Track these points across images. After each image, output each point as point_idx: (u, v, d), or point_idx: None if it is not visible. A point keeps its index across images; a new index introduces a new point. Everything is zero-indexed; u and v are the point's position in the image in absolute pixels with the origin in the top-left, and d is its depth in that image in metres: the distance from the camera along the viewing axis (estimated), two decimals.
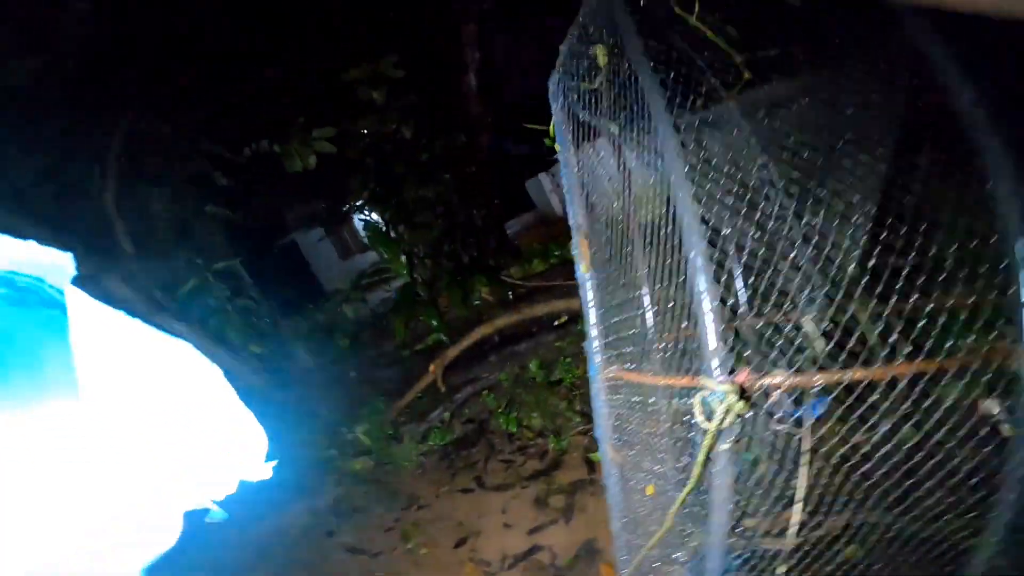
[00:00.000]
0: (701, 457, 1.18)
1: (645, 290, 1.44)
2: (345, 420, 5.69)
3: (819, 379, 1.09)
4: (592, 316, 1.62)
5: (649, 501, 1.46)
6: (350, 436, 5.38)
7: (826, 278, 1.30)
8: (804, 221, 1.37)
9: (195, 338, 6.04)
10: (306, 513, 4.50)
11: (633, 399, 1.51)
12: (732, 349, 1.13)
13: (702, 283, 1.12)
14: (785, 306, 1.27)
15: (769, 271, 1.25)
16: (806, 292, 1.30)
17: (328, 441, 5.63)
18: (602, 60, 1.53)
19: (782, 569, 1.30)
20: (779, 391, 1.10)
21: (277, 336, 7.66)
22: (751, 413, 1.18)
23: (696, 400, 1.13)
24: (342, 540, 3.97)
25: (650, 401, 1.41)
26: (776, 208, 1.43)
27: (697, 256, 1.14)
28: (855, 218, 1.32)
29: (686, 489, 1.26)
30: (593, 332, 1.62)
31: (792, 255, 1.30)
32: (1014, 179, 1.06)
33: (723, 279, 1.18)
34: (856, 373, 1.08)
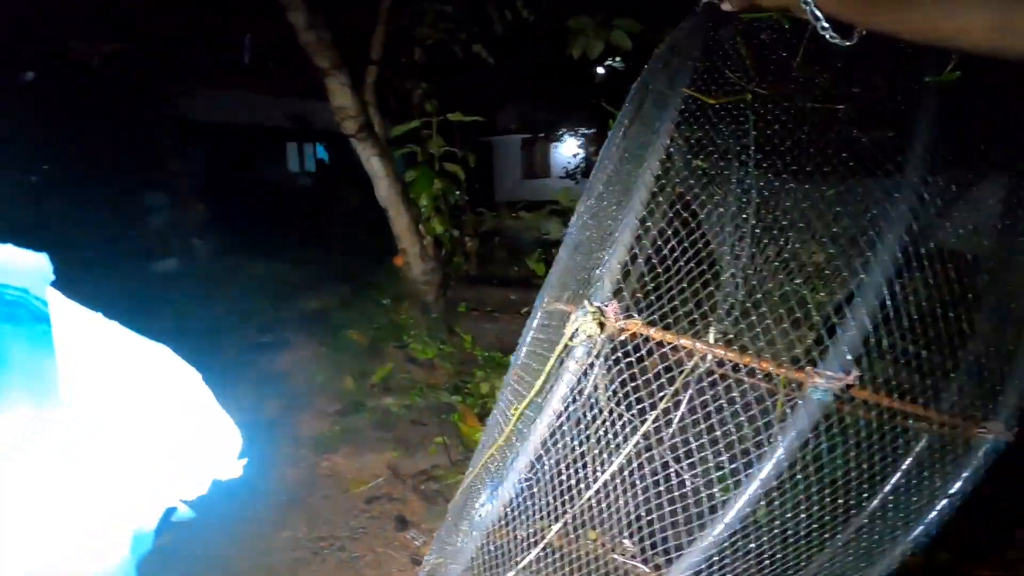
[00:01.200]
0: (547, 366, 1.34)
1: (591, 236, 1.63)
2: (488, 363, 4.80)
3: (656, 335, 1.24)
4: (561, 256, 1.89)
5: (506, 420, 1.60)
6: (484, 386, 4.37)
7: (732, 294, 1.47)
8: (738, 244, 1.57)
9: (383, 181, 5.63)
10: (389, 446, 3.75)
11: (544, 325, 1.69)
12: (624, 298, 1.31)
13: (631, 217, 1.30)
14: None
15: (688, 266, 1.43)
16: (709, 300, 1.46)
17: (450, 376, 4.69)
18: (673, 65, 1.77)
19: (555, 525, 1.41)
20: (627, 334, 1.26)
21: (458, 222, 7.25)
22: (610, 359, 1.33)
23: (570, 319, 1.30)
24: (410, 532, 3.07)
25: (552, 326, 1.58)
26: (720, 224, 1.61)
27: (637, 196, 1.31)
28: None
29: (527, 398, 1.41)
30: (554, 269, 1.88)
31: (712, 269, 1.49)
32: None
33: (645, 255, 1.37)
34: (684, 339, 1.24)
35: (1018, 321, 1.44)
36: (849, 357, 1.13)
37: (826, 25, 1.10)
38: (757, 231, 1.62)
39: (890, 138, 1.61)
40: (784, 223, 1.60)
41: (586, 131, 21.70)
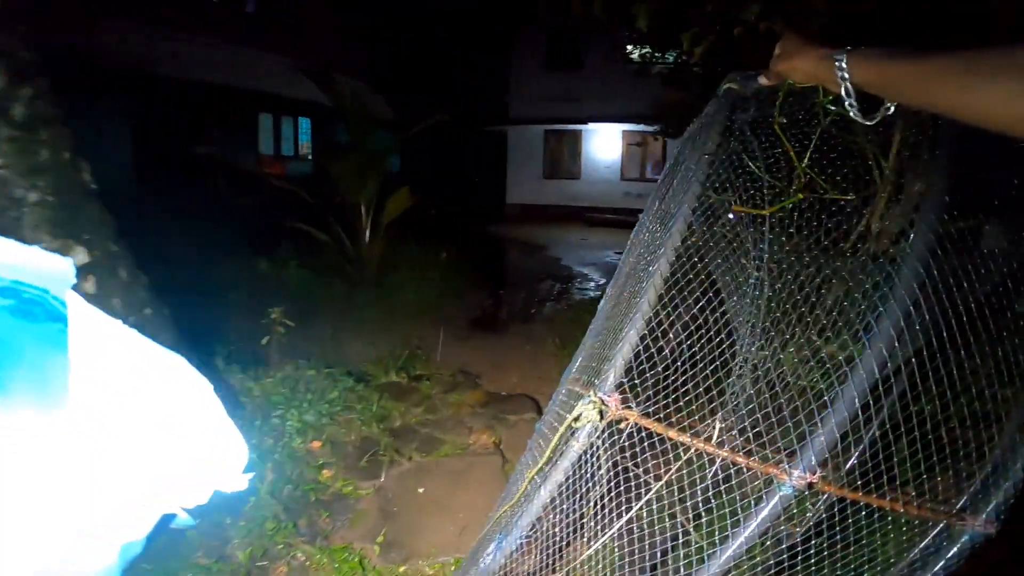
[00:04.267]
0: (553, 442, 1.67)
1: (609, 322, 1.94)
2: None
3: (649, 425, 1.56)
4: (586, 338, 2.18)
5: (522, 481, 1.95)
6: None
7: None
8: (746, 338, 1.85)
9: None
10: None
11: (564, 401, 2.00)
12: (629, 385, 1.62)
13: (635, 318, 1.57)
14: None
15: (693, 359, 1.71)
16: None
17: None
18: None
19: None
20: (627, 422, 1.58)
21: None
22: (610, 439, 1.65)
23: (579, 402, 1.62)
24: None
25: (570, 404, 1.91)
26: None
27: (644, 298, 1.62)
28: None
29: (536, 467, 1.74)
30: (580, 349, 2.18)
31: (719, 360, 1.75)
32: None
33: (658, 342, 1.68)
34: (672, 432, 1.55)
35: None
36: (814, 460, 1.43)
37: (854, 103, 1.19)
38: (767, 321, 1.90)
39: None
40: (793, 313, 1.84)
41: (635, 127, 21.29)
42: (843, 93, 1.17)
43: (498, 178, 23.13)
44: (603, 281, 10.82)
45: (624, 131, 22.90)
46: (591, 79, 22.30)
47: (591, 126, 23.00)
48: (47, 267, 1.01)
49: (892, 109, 1.22)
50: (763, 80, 1.65)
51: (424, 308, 8.02)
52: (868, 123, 1.22)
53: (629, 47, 21.76)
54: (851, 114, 1.20)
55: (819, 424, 1.45)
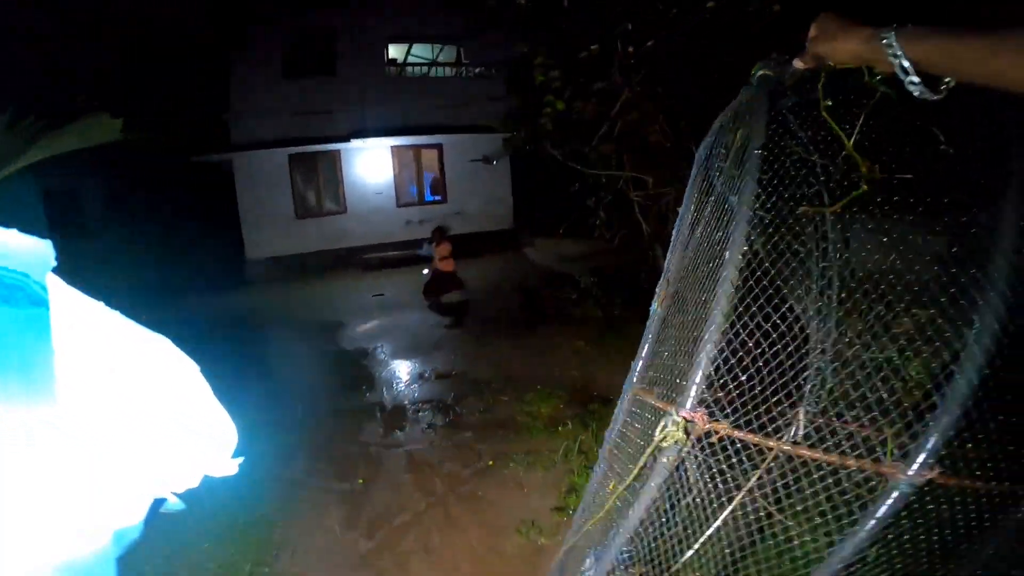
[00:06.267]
0: (640, 461, 1.71)
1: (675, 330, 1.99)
2: None
3: (741, 435, 1.65)
4: (646, 342, 2.22)
5: (604, 493, 1.98)
6: None
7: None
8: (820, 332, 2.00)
9: None
10: None
11: (635, 412, 2.05)
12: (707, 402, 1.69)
13: (711, 332, 1.64)
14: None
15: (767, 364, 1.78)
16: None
17: None
18: (737, 142, 1.90)
19: None
20: (716, 436, 1.64)
21: None
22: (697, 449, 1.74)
23: (660, 423, 1.65)
24: None
25: (646, 416, 1.94)
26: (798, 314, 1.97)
27: (717, 309, 1.66)
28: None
29: (625, 482, 1.78)
30: (641, 353, 2.21)
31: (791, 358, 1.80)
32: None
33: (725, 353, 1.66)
34: (771, 442, 1.65)
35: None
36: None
37: (916, 80, 1.13)
38: (842, 294, 1.96)
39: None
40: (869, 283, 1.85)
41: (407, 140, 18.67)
42: (899, 72, 1.15)
43: (230, 227, 17.90)
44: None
45: (394, 147, 19.49)
46: (347, 86, 18.93)
47: (353, 144, 18.82)
48: (26, 249, 1.02)
49: (953, 83, 1.15)
50: (798, 64, 1.55)
51: None
52: (935, 98, 1.16)
53: (392, 47, 19.00)
54: (915, 93, 1.16)
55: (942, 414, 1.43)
